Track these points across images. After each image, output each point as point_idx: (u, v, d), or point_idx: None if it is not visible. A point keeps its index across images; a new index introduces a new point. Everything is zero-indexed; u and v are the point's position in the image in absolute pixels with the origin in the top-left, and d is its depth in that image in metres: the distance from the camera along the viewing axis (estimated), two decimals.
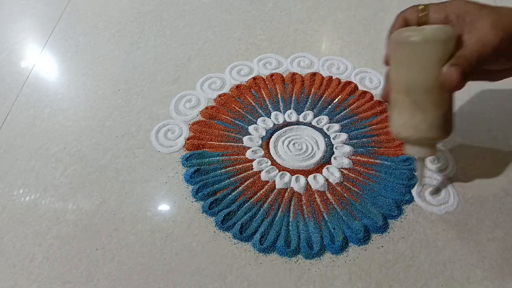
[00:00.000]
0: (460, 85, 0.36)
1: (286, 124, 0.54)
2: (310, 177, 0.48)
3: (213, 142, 0.52)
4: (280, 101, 0.57)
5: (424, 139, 0.39)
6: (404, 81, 0.38)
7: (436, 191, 0.47)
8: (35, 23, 0.74)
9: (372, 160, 0.50)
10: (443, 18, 0.38)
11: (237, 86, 0.59)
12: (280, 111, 0.56)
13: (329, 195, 0.47)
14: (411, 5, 0.40)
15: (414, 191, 0.47)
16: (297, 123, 0.54)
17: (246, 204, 0.46)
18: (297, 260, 0.42)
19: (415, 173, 0.48)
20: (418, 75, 0.37)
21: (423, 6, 0.39)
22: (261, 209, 0.46)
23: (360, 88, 0.58)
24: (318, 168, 0.49)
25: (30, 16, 0.75)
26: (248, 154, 0.51)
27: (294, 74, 0.60)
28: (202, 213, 0.46)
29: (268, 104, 0.57)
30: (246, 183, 0.48)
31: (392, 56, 0.39)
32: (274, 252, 0.43)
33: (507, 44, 0.37)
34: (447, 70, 0.36)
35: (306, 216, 0.45)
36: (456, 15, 0.37)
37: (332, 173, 0.49)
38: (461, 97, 0.56)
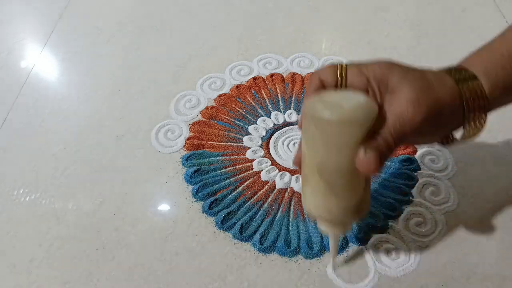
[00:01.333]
0: (377, 171, 0.32)
1: (286, 124, 0.54)
2: None
3: (213, 142, 0.52)
4: (280, 101, 0.57)
5: (337, 221, 0.36)
6: (317, 161, 0.33)
7: (436, 191, 0.47)
8: (35, 23, 0.74)
9: None
10: (364, 83, 0.32)
11: (237, 86, 0.59)
12: (280, 111, 0.56)
13: None
14: (328, 64, 0.34)
15: (329, 268, 0.41)
16: (297, 123, 0.54)
17: (246, 204, 0.46)
18: (297, 260, 0.42)
19: (329, 246, 0.40)
20: (332, 157, 0.32)
21: (341, 67, 0.33)
22: (261, 209, 0.46)
23: None
24: None
25: (30, 16, 0.75)
26: (248, 154, 0.51)
27: (294, 74, 0.60)
28: (202, 213, 0.46)
29: (268, 104, 0.57)
30: (246, 183, 0.48)
31: (304, 127, 0.33)
32: (274, 252, 0.43)
33: (430, 122, 0.32)
34: (365, 156, 0.31)
35: (306, 216, 0.45)
36: (377, 81, 0.32)
37: None
38: None
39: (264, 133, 0.53)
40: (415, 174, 0.48)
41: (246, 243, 0.44)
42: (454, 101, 0.32)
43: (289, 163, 0.50)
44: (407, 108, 0.31)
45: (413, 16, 0.69)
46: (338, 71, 0.33)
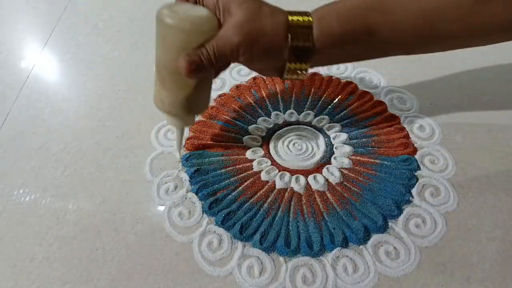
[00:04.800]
0: (191, 75, 0.37)
1: (286, 124, 0.54)
2: (310, 177, 0.48)
3: (213, 142, 0.52)
4: (280, 101, 0.57)
5: (168, 113, 0.43)
6: (156, 58, 0.40)
7: (436, 191, 0.47)
8: (35, 23, 0.74)
9: (372, 160, 0.50)
10: (214, 4, 0.38)
11: (237, 86, 0.59)
12: (280, 111, 0.56)
13: (329, 195, 0.47)
14: None
15: (177, 155, 0.50)
16: (297, 123, 0.54)
17: (246, 204, 0.46)
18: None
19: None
20: (164, 56, 0.39)
21: None
22: (261, 209, 0.46)
23: (360, 88, 0.58)
24: (318, 168, 0.49)
25: (30, 16, 0.75)
26: (248, 154, 0.51)
27: None
28: (202, 213, 0.46)
29: (268, 104, 0.57)
30: (246, 183, 0.48)
31: (156, 28, 0.39)
32: (274, 252, 0.43)
33: (249, 48, 0.36)
34: (180, 59, 0.37)
35: (306, 216, 0.45)
36: (223, 4, 0.37)
37: (332, 173, 0.49)
38: (461, 97, 0.56)
39: (264, 133, 0.53)
40: (415, 174, 0.48)
41: (246, 243, 0.44)
42: (277, 38, 0.37)
43: (289, 163, 0.50)
44: (230, 29, 0.36)
45: None
46: None
